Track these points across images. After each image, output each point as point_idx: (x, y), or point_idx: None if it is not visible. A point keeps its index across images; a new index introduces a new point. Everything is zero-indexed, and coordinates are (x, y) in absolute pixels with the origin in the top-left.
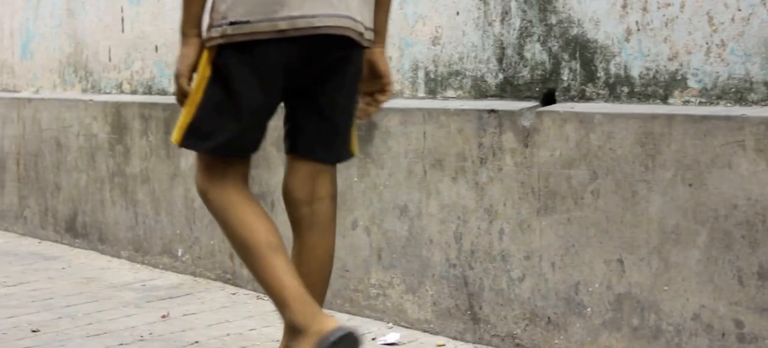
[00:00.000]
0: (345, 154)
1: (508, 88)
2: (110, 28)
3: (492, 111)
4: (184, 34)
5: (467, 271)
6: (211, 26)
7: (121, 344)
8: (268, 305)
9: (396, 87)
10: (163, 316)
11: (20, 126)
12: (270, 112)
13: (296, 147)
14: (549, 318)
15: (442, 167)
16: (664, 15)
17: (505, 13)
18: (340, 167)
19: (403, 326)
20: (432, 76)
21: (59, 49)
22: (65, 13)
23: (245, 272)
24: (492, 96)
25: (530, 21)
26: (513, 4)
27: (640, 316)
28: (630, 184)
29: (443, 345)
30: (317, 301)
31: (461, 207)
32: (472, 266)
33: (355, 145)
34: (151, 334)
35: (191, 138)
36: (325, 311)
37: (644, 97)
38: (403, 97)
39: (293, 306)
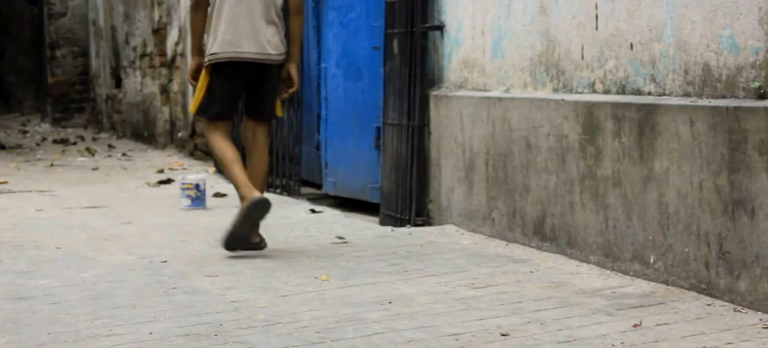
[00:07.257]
0: (270, 116)
1: None
2: (584, 26)
3: None
4: (192, 55)
5: None
6: (207, 54)
7: None
8: (746, 319)
9: None
10: (635, 326)
11: (489, 126)
12: (236, 97)
13: (246, 112)
14: None
15: None
16: None
17: None
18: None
19: None
20: None
21: (531, 47)
22: (538, 11)
23: (722, 283)
24: None
25: None
26: None
27: None
28: None
29: None
30: (259, 187)
31: None
32: None
33: (279, 109)
34: (622, 343)
35: (200, 111)
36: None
37: None
38: None
39: (242, 188)
